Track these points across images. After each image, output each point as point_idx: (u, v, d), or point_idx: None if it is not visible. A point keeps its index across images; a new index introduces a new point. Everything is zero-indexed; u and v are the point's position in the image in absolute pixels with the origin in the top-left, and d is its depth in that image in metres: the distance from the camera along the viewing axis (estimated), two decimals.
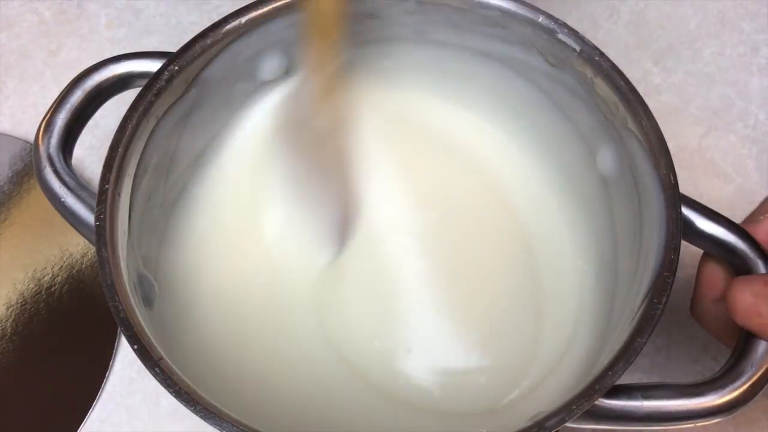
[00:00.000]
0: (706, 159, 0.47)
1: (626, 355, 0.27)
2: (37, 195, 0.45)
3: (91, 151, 0.47)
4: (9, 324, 0.42)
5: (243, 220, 0.38)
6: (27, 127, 0.48)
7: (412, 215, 0.38)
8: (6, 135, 0.48)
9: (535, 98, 0.37)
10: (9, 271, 0.43)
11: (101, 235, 0.30)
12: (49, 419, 0.40)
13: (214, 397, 0.27)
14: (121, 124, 0.32)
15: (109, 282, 0.29)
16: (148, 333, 0.28)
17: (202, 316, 0.35)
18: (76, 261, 0.43)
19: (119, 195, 0.31)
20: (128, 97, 0.35)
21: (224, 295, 0.36)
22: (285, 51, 0.37)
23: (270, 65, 0.37)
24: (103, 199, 0.30)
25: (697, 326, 0.42)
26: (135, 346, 0.28)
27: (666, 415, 0.29)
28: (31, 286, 0.43)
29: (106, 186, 0.31)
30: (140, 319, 0.29)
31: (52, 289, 0.43)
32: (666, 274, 0.29)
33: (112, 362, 0.41)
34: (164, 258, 0.36)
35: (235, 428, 0.26)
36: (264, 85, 0.38)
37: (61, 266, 0.43)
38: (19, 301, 0.42)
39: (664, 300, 0.28)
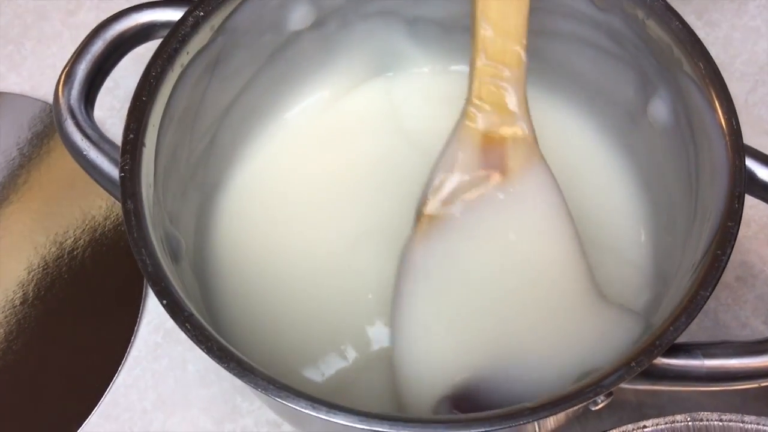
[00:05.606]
0: (753, 115, 0.45)
1: (689, 309, 0.26)
2: (57, 156, 0.44)
3: (112, 112, 0.46)
4: (31, 288, 0.41)
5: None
6: (46, 88, 0.47)
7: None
8: (25, 96, 0.46)
9: (579, 45, 0.35)
10: (30, 234, 0.42)
11: (126, 186, 0.28)
12: (74, 385, 0.39)
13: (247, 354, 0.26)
14: (144, 71, 0.31)
15: (135, 236, 0.27)
16: (177, 288, 0.27)
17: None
18: (99, 224, 0.42)
19: (144, 146, 0.29)
20: (149, 54, 0.33)
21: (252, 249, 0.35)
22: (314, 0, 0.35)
23: (299, 14, 0.35)
24: (128, 149, 0.29)
25: (747, 288, 0.40)
26: (164, 302, 0.26)
27: (728, 375, 0.27)
28: (53, 249, 0.41)
29: (131, 135, 0.29)
30: (168, 273, 0.27)
31: (75, 252, 0.41)
32: (730, 224, 0.27)
33: (137, 327, 0.40)
34: (192, 215, 0.34)
35: (270, 385, 0.25)
36: (293, 36, 0.36)
37: (84, 229, 0.42)
38: (40, 265, 0.41)
39: (728, 251, 0.26)
